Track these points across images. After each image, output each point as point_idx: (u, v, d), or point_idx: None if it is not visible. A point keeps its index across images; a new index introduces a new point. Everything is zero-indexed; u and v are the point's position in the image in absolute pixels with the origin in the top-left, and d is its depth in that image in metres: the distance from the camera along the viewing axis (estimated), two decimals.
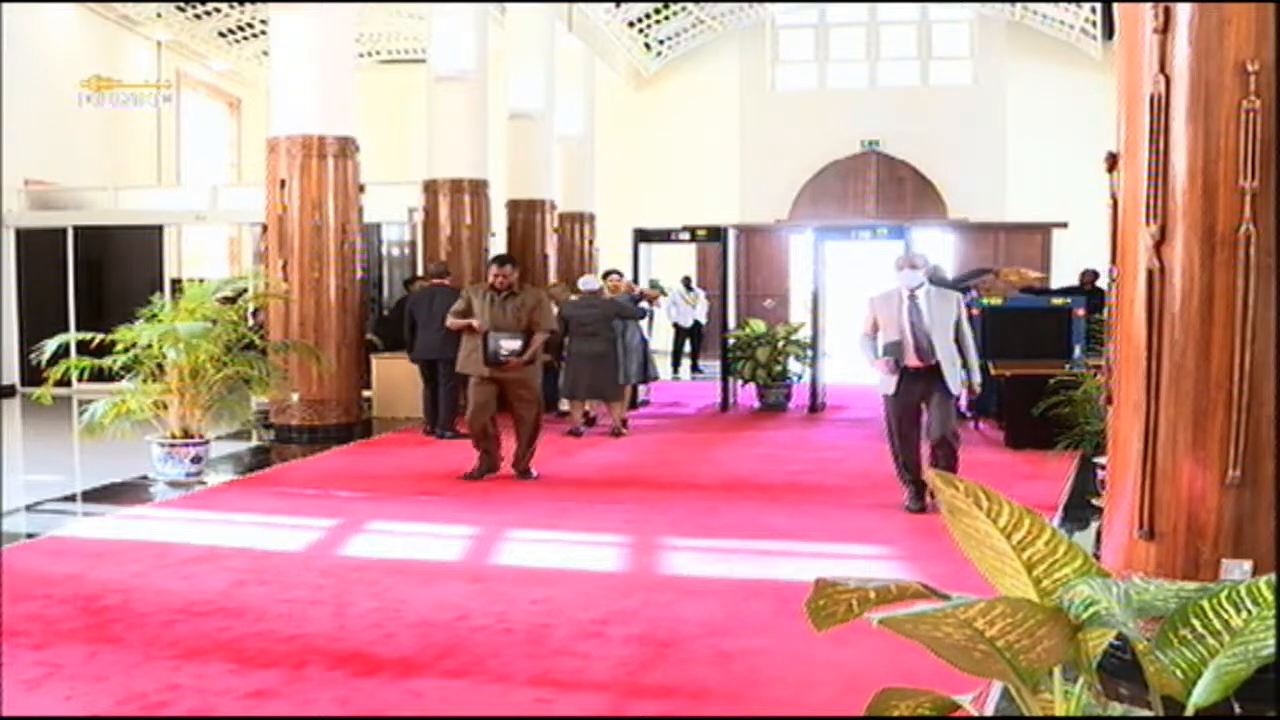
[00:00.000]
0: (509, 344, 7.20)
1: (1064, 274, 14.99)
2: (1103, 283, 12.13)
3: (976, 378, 6.35)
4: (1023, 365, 9.05)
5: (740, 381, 11.90)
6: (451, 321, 7.47)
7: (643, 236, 12.75)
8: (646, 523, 6.22)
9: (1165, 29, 3.42)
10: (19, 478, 7.92)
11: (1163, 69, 3.43)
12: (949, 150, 20.12)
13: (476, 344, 7.31)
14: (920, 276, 6.22)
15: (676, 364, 16.53)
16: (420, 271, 12.19)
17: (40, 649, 4.02)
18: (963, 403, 10.72)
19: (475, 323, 7.30)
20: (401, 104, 19.34)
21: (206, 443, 7.78)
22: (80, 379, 7.79)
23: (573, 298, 10.22)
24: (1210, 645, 2.03)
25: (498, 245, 13.98)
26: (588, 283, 10.15)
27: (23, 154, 13.22)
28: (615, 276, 10.68)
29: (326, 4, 9.52)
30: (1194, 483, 3.45)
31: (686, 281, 16.89)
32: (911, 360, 6.16)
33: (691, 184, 20.15)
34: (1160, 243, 3.45)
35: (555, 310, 10.59)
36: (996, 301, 10.92)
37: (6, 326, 13.23)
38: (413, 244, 13.14)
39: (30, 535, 5.97)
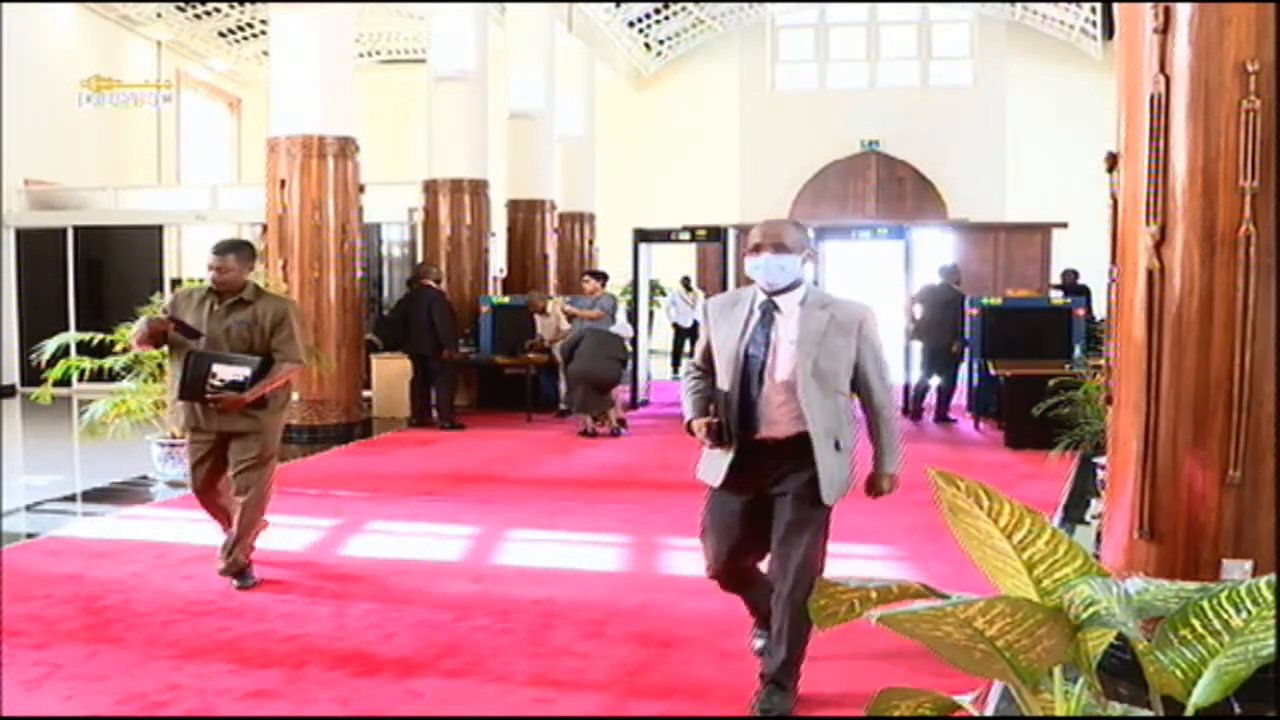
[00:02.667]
0: (227, 371, 4.73)
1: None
2: (1091, 282, 12.37)
3: (893, 466, 3.52)
4: (1023, 365, 9.06)
5: None
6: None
7: (643, 236, 12.75)
8: (646, 523, 6.22)
9: (1165, 29, 3.42)
10: (19, 478, 7.92)
11: (1163, 69, 3.43)
12: (949, 150, 20.13)
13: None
14: (792, 268, 3.37)
15: (676, 364, 16.53)
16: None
17: (40, 649, 4.02)
18: (961, 399, 10.81)
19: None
20: (401, 104, 19.35)
21: None
22: (80, 379, 7.79)
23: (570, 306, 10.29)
24: (1210, 645, 2.03)
25: (498, 245, 14.00)
26: (624, 328, 10.13)
27: (23, 154, 13.24)
28: (589, 279, 10.52)
29: (326, 4, 9.52)
30: (1194, 483, 3.45)
31: (686, 281, 16.89)
32: (755, 427, 3.39)
33: (691, 184, 20.15)
34: (1160, 243, 3.45)
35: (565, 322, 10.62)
36: (996, 302, 10.96)
37: (6, 326, 13.24)
38: (413, 244, 13.14)
39: (30, 535, 5.98)
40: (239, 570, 4.92)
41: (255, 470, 4.95)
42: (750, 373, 3.36)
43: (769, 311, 3.41)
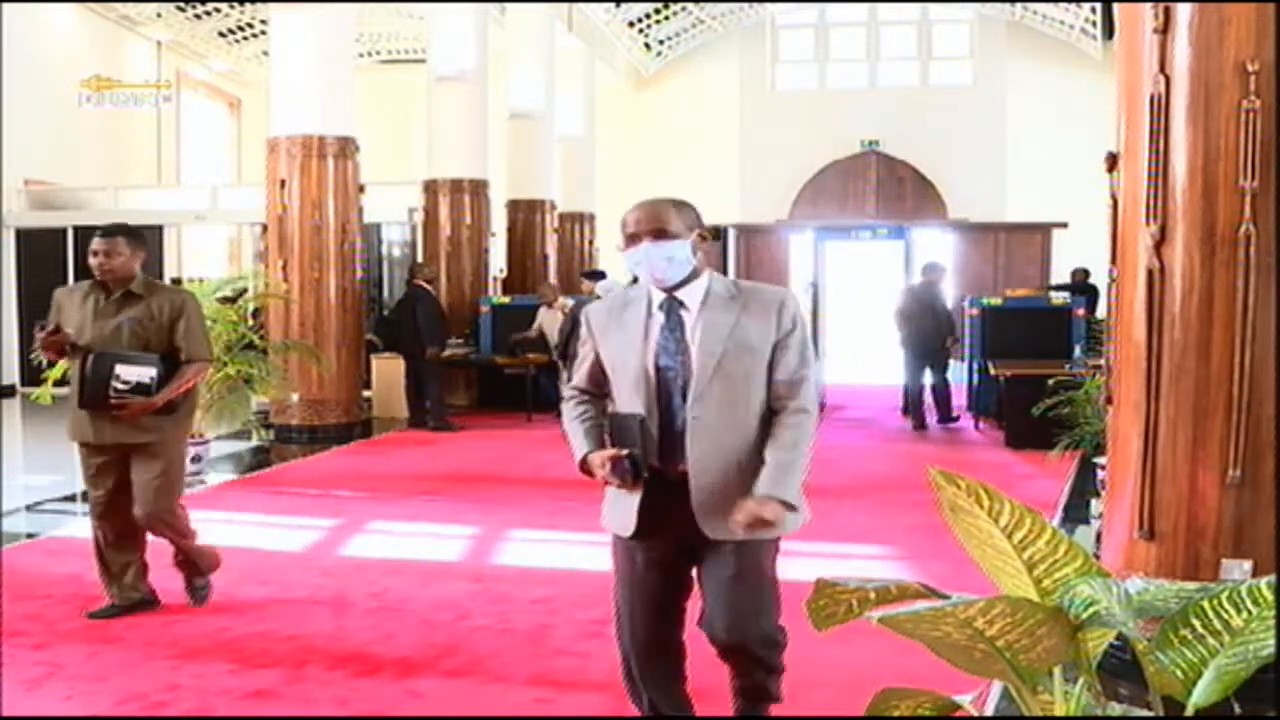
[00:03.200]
0: (131, 372, 4.11)
1: (1064, 275, 15.00)
2: (1095, 280, 12.35)
3: (783, 490, 2.62)
4: (1023, 365, 9.05)
5: None
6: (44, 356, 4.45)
7: None
8: None
9: (1165, 29, 3.42)
10: (19, 478, 7.92)
11: (1163, 69, 3.42)
12: (949, 150, 20.11)
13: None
14: (682, 256, 2.70)
15: None
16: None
17: (40, 649, 4.02)
18: (962, 399, 10.79)
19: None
20: (401, 104, 19.34)
21: (206, 443, 7.79)
22: None
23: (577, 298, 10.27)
24: (1210, 645, 2.02)
25: (498, 245, 14.00)
26: (607, 286, 10.11)
27: (23, 154, 13.23)
28: (586, 279, 10.64)
29: (326, 4, 9.52)
30: (1194, 483, 3.45)
31: None
32: (677, 456, 2.70)
33: (691, 184, 20.07)
34: (1160, 243, 3.45)
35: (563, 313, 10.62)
36: (996, 302, 10.95)
37: (6, 326, 13.23)
38: (413, 244, 13.15)
39: (30, 535, 5.98)
40: (197, 588, 4.60)
41: (164, 495, 4.27)
42: (669, 390, 2.69)
43: (674, 312, 2.72)
